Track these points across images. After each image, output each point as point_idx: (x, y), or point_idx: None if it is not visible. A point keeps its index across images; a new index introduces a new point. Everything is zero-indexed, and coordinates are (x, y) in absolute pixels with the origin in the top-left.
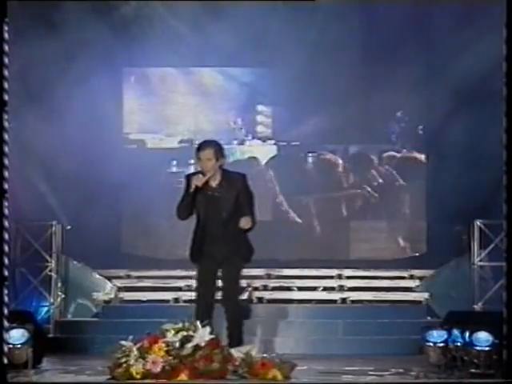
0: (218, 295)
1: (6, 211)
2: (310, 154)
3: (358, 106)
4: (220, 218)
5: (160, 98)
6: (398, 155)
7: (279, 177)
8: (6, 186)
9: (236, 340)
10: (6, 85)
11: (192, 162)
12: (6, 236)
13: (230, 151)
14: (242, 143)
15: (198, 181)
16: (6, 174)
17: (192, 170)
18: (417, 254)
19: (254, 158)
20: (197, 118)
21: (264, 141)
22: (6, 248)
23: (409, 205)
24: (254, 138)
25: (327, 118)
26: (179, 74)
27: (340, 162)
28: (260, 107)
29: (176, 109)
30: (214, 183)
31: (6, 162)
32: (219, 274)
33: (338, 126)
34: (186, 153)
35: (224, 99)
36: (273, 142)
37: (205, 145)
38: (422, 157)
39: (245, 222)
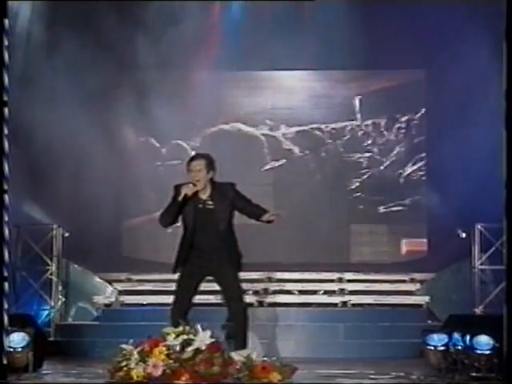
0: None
1: (6, 215)
2: None
3: None
4: (217, 230)
5: None
6: None
7: None
8: (6, 187)
9: (240, 344)
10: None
11: None
12: (7, 238)
13: None
14: None
15: (187, 190)
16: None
17: None
18: (417, 258)
19: None
20: None
21: None
22: (7, 251)
23: (409, 208)
24: None
25: None
26: None
27: None
28: None
29: None
30: (204, 196)
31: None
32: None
33: None
34: None
35: None
36: None
37: (196, 156)
38: None
39: (267, 216)
